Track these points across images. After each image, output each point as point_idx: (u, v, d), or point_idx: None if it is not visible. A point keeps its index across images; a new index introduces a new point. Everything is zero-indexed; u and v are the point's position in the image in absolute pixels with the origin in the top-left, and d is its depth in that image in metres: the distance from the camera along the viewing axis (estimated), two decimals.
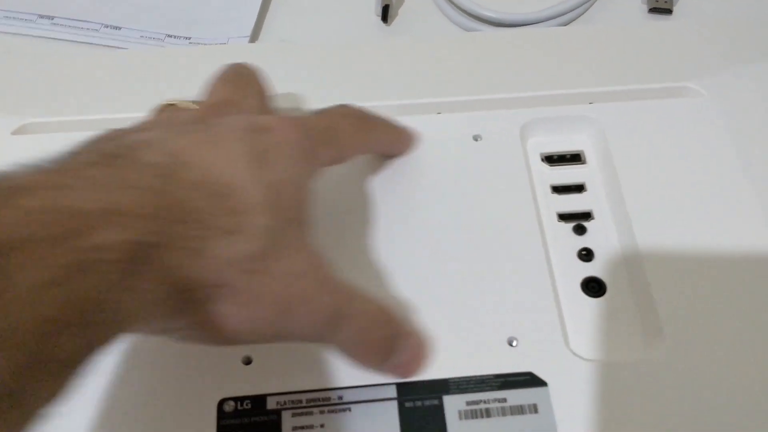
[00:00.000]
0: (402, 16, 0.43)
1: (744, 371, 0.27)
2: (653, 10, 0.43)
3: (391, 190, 0.32)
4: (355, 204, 0.31)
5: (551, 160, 0.34)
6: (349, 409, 0.26)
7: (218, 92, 0.27)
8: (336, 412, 0.26)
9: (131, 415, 0.26)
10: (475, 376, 0.27)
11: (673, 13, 0.43)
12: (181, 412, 0.26)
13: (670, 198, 0.31)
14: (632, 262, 0.30)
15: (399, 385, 0.27)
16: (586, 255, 0.31)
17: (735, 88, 0.35)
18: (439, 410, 0.26)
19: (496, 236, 0.30)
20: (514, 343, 0.28)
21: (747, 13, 0.42)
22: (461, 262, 0.30)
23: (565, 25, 0.43)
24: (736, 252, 0.30)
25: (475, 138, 0.33)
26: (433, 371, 0.27)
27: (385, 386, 0.27)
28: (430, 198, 0.31)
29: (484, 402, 0.26)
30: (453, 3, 0.43)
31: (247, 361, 0.27)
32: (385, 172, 0.32)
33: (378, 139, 0.32)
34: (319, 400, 0.26)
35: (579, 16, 0.43)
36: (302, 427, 0.26)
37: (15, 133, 0.33)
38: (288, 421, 0.26)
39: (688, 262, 0.29)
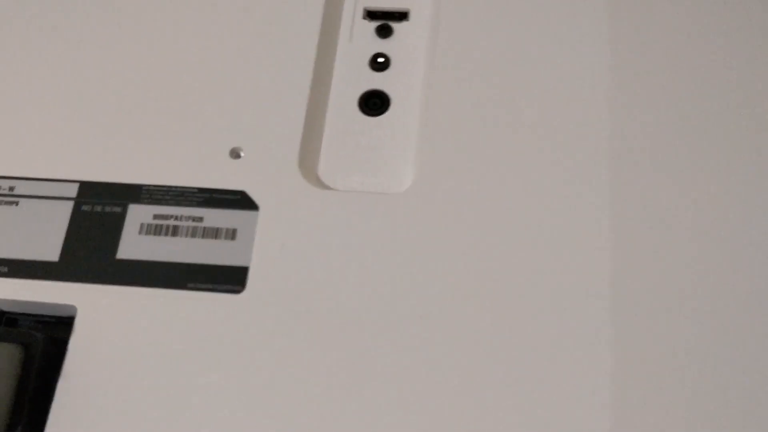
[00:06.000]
0: None
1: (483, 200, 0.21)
2: None
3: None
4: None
5: None
6: (17, 203, 0.22)
7: None
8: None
9: None
10: (177, 187, 0.22)
11: None
12: None
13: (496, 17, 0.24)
14: (430, 80, 0.23)
15: (83, 184, 0.22)
16: (381, 64, 0.24)
17: None
18: (120, 220, 0.21)
19: (271, 30, 0.24)
20: (242, 154, 0.22)
21: None
22: (220, 54, 0.24)
23: None
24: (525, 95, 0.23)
25: None
26: (127, 173, 0.22)
27: (68, 183, 0.22)
28: None
29: (176, 218, 0.21)
30: None
31: None
32: None
33: None
34: None
35: None
36: None
37: None
38: None
39: (480, 101, 0.23)
